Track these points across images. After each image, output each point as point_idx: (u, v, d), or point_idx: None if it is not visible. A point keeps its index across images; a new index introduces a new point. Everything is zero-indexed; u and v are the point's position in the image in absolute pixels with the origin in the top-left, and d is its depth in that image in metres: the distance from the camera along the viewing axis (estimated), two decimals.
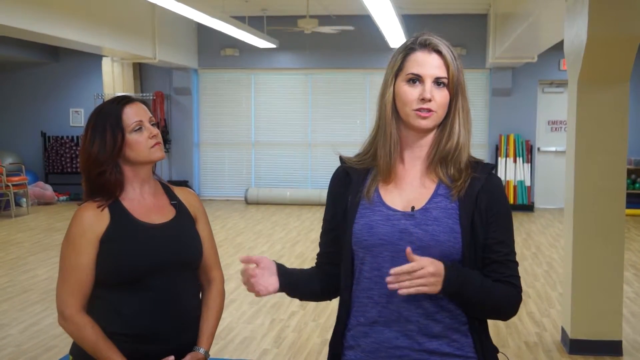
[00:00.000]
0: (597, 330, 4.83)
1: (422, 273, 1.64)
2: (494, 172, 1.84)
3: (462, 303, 1.75)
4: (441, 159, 1.80)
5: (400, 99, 1.78)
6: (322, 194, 12.27)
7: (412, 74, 1.76)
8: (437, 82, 1.76)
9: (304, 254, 8.17)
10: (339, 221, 1.86)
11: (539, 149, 12.25)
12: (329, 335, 5.12)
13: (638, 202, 11.23)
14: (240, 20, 10.11)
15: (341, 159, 1.94)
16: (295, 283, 1.88)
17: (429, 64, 1.76)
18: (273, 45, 11.26)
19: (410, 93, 1.76)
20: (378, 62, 12.04)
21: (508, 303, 1.79)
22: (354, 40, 11.81)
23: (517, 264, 1.82)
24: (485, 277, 1.77)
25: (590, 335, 4.82)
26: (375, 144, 1.85)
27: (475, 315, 1.80)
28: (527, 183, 11.93)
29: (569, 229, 4.98)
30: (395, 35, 9.44)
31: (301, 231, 9.76)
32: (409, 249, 1.66)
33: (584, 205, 4.86)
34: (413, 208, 1.78)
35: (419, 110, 1.75)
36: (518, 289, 1.80)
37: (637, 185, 11.50)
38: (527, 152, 11.97)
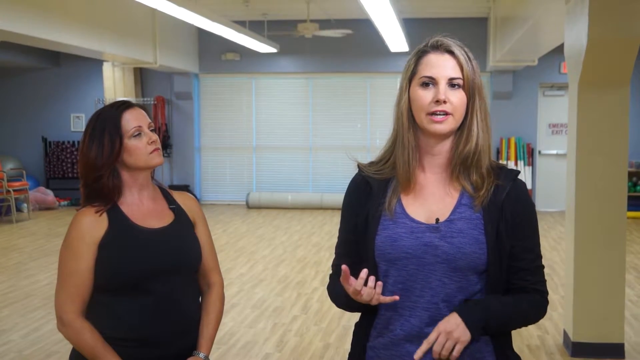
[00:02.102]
0: (599, 333, 4.82)
1: (442, 339, 1.65)
2: (519, 177, 1.81)
3: (495, 330, 1.73)
4: (461, 163, 1.75)
5: (415, 104, 1.74)
6: (324, 197, 12.28)
7: (426, 76, 1.72)
8: (452, 83, 1.72)
9: (305, 257, 8.17)
10: (361, 232, 1.80)
11: (540, 152, 12.25)
12: (331, 340, 5.15)
13: (639, 204, 11.21)
14: (240, 24, 10.12)
15: (359, 166, 1.88)
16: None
17: (441, 65, 1.72)
18: (274, 50, 11.28)
19: (424, 96, 1.72)
20: (378, 66, 12.08)
21: (535, 312, 1.80)
22: (355, 44, 11.82)
23: (543, 267, 1.81)
24: (512, 283, 1.76)
25: (593, 338, 4.81)
26: (394, 153, 1.80)
27: (509, 331, 1.80)
28: (529, 186, 11.93)
29: (570, 232, 4.97)
30: (395, 39, 9.45)
31: (303, 235, 9.75)
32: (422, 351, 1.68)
33: (585, 208, 4.85)
34: (437, 220, 1.74)
35: (433, 114, 1.71)
36: (544, 294, 1.79)
37: (639, 187, 11.48)
38: (528, 155, 11.98)
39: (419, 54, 1.77)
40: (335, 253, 1.92)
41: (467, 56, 1.74)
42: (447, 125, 1.72)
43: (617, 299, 4.84)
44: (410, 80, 1.76)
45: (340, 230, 1.90)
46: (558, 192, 11.33)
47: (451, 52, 1.73)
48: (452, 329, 1.65)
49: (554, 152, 12.23)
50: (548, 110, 12.23)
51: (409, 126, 1.76)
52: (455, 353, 1.65)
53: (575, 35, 4.85)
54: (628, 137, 4.87)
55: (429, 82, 1.72)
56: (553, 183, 11.99)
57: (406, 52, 9.83)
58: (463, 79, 1.72)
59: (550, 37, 7.88)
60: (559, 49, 7.28)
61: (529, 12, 6.96)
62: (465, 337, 1.65)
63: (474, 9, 11.16)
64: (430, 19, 11.43)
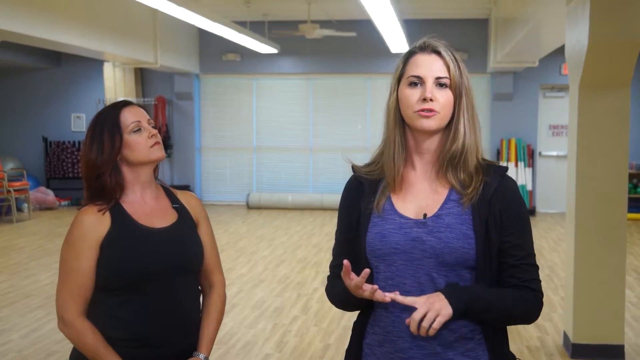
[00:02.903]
0: (599, 334, 4.82)
1: (423, 308, 1.66)
2: (507, 174, 1.82)
3: (477, 317, 1.74)
4: (449, 162, 1.78)
5: (403, 103, 1.78)
6: (324, 198, 12.29)
7: (413, 76, 1.76)
8: (439, 83, 1.75)
9: (305, 258, 8.17)
10: (354, 231, 1.84)
11: (540, 153, 12.25)
12: (330, 340, 5.15)
13: (639, 206, 11.23)
14: (241, 25, 10.12)
15: (353, 168, 1.92)
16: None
17: (429, 65, 1.76)
18: (274, 50, 11.28)
19: (412, 95, 1.76)
20: (379, 67, 12.07)
21: (524, 308, 1.78)
22: (355, 45, 11.82)
23: (536, 267, 1.80)
24: (503, 281, 1.76)
25: (593, 340, 4.81)
26: (384, 153, 1.84)
27: (495, 324, 1.79)
28: (529, 187, 11.92)
29: (570, 233, 4.98)
30: (396, 40, 9.45)
31: (303, 235, 9.76)
32: (394, 296, 1.68)
33: (586, 209, 4.85)
34: (425, 215, 1.77)
35: (421, 110, 1.74)
36: (537, 292, 1.78)
37: (639, 189, 11.48)
38: (529, 156, 11.98)
39: (407, 55, 1.82)
40: (332, 255, 1.95)
41: (454, 57, 1.78)
42: (434, 121, 1.75)
43: (617, 301, 4.84)
44: (399, 80, 1.81)
45: (336, 232, 1.94)
46: (558, 194, 11.34)
47: (438, 53, 1.77)
48: (435, 301, 1.67)
49: (554, 153, 12.23)
50: (548, 111, 12.23)
51: (396, 125, 1.81)
52: (436, 325, 1.65)
53: (576, 37, 4.85)
54: (628, 139, 4.87)
55: (417, 81, 1.76)
56: (553, 184, 11.98)
57: None
58: (450, 79, 1.76)
59: (551, 38, 7.88)
60: (560, 51, 7.29)
61: (530, 14, 6.96)
62: (447, 311, 1.66)
63: (474, 10, 11.16)
64: (431, 20, 11.44)
